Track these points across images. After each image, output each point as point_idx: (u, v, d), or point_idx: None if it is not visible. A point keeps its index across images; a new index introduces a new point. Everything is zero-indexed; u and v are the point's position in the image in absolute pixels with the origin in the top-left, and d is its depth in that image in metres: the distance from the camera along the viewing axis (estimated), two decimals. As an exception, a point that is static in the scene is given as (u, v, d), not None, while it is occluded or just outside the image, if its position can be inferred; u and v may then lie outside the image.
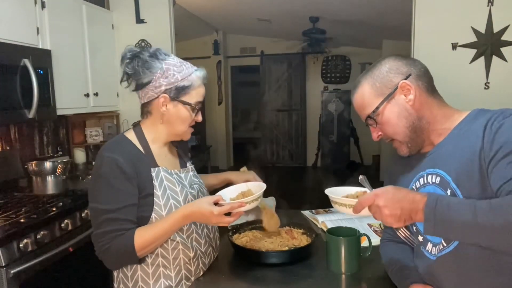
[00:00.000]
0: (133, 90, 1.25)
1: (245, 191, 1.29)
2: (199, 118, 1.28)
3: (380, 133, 1.08)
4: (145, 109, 1.26)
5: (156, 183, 1.19)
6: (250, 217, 1.68)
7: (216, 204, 1.12)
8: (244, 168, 1.63)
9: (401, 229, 0.97)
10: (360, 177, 1.03)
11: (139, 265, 1.20)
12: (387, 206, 0.89)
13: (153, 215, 1.18)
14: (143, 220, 1.18)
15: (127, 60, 1.22)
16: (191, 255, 1.24)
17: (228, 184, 1.54)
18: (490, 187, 0.90)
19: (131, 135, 1.25)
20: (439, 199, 0.88)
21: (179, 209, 1.16)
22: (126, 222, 1.13)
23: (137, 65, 1.20)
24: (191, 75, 1.22)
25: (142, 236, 1.12)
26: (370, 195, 0.93)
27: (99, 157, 1.17)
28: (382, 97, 1.04)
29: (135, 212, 1.16)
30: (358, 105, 1.09)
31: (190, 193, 1.27)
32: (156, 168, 1.22)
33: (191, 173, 1.36)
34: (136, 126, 1.29)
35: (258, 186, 1.30)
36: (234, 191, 1.30)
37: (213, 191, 1.49)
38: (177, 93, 1.21)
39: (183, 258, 1.23)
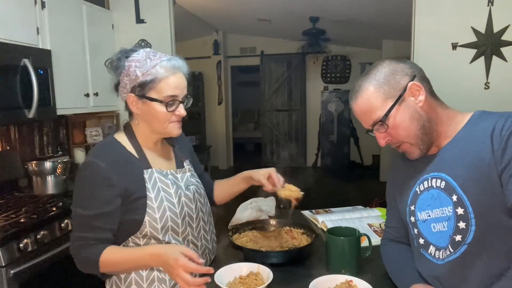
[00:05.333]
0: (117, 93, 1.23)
1: (244, 275, 1.17)
2: (181, 111, 1.18)
3: (388, 138, 1.04)
4: (128, 110, 1.23)
5: (149, 185, 1.16)
6: (250, 217, 1.68)
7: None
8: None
9: None
10: None
11: None
12: None
13: (147, 218, 1.15)
14: (136, 224, 1.15)
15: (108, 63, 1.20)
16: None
17: (249, 182, 1.42)
18: (504, 198, 0.89)
19: (122, 137, 1.22)
20: None
21: (151, 246, 1.15)
22: (99, 230, 1.12)
23: (109, 67, 1.19)
24: (155, 67, 1.12)
25: (109, 255, 1.11)
26: None
27: (84, 160, 1.17)
28: (392, 100, 0.99)
29: (111, 220, 1.13)
30: (363, 111, 1.03)
31: (185, 195, 1.24)
32: (149, 170, 1.19)
33: (188, 174, 1.32)
34: (127, 127, 1.25)
35: (264, 272, 1.17)
36: (232, 273, 1.17)
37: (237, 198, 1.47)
38: (142, 90, 1.14)
39: None
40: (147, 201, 1.15)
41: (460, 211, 0.96)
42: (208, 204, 1.39)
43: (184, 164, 1.34)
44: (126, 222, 1.16)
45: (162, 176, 1.20)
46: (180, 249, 1.05)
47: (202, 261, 1.04)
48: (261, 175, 1.36)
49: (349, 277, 1.12)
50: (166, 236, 1.18)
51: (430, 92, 1.03)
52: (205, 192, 1.41)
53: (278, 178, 1.36)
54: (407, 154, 1.07)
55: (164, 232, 1.17)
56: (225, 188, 1.51)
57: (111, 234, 1.14)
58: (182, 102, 1.18)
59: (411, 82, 1.00)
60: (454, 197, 0.97)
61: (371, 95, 1.01)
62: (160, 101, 1.14)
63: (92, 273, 1.16)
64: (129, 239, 1.18)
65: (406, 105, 1.00)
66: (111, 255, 1.12)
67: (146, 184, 1.16)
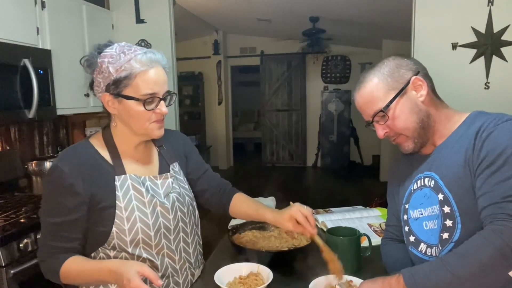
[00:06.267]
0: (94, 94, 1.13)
1: (244, 275, 1.17)
2: (162, 109, 1.07)
3: (386, 130, 1.06)
4: (106, 111, 1.12)
5: (119, 193, 1.07)
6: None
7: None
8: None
9: None
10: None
11: None
12: None
13: (114, 229, 1.06)
14: (103, 235, 1.07)
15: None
16: (159, 274, 1.11)
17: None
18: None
19: (96, 140, 1.14)
20: (413, 273, 0.89)
21: (112, 260, 1.07)
22: (63, 239, 1.06)
23: (84, 65, 1.09)
24: (129, 61, 1.02)
25: (69, 266, 1.05)
26: None
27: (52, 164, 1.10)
28: (394, 92, 1.02)
29: (76, 229, 1.06)
30: (366, 101, 1.06)
31: (161, 204, 1.13)
32: (122, 176, 1.09)
33: (169, 180, 1.19)
34: (106, 129, 1.16)
35: (264, 272, 1.16)
36: (232, 273, 1.17)
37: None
38: (116, 88, 1.04)
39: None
40: (116, 211, 1.06)
41: (446, 209, 0.98)
42: (195, 213, 1.27)
43: (170, 168, 1.22)
44: (93, 232, 1.09)
45: (137, 183, 1.11)
46: (137, 268, 0.96)
47: (160, 282, 0.96)
48: (288, 223, 1.16)
49: (349, 277, 1.12)
50: (136, 250, 1.09)
51: (432, 89, 1.06)
52: (215, 196, 1.32)
53: (307, 218, 1.15)
54: (400, 147, 1.08)
55: (134, 245, 1.08)
56: (243, 212, 1.33)
57: (76, 243, 1.08)
58: (163, 99, 1.07)
59: (414, 77, 1.03)
60: (440, 196, 0.99)
61: (375, 86, 1.04)
62: (137, 99, 1.04)
63: (56, 283, 1.11)
64: (99, 249, 1.10)
65: (407, 98, 1.03)
66: (72, 266, 1.05)
67: (116, 192, 1.07)
